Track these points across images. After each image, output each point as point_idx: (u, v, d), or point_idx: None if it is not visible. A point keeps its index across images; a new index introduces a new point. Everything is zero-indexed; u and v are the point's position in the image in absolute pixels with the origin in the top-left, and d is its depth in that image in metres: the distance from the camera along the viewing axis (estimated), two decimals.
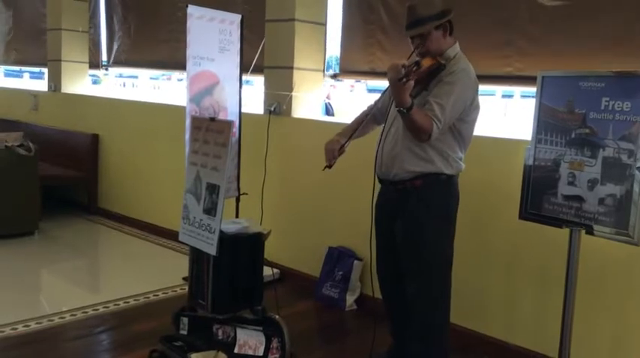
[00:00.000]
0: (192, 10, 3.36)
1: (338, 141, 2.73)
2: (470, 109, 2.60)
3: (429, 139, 2.47)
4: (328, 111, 8.39)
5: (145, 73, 7.70)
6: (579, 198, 2.54)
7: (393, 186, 2.66)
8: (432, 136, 2.45)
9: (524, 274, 3.21)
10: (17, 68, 8.75)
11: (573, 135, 2.56)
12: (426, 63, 2.49)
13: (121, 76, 7.69)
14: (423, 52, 2.56)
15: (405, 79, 2.28)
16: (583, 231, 2.56)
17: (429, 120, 2.42)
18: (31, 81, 9.48)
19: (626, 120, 2.40)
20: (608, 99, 2.46)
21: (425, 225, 2.62)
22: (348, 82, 5.72)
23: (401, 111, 2.37)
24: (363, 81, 5.04)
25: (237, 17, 3.59)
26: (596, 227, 2.50)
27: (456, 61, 2.58)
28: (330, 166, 2.70)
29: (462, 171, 2.71)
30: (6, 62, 8.26)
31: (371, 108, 2.86)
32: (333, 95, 8.89)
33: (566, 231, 2.61)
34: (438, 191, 2.63)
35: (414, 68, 2.35)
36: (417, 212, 2.62)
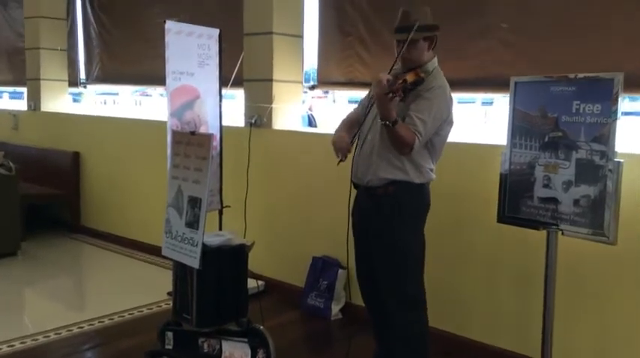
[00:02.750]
0: (170, 25, 3.39)
1: (345, 136, 2.75)
2: (444, 124, 2.68)
3: (410, 152, 2.56)
4: (311, 122, 8.44)
5: (124, 90, 7.70)
6: (555, 200, 2.60)
7: (367, 191, 2.74)
8: (413, 149, 2.54)
9: (505, 277, 3.25)
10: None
11: (547, 139, 2.62)
12: (410, 78, 2.54)
13: (96, 93, 7.66)
14: (406, 57, 2.63)
15: (391, 95, 2.37)
16: (560, 233, 2.61)
17: (411, 134, 2.51)
18: (11, 101, 9.43)
19: (597, 122, 2.46)
20: (579, 102, 2.53)
21: (396, 228, 2.69)
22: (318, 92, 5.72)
23: (386, 125, 2.45)
24: (330, 91, 5.05)
25: (216, 32, 3.63)
26: (571, 228, 2.55)
27: (434, 77, 2.66)
28: (344, 160, 2.72)
29: (432, 181, 2.76)
30: None
31: (356, 113, 2.93)
32: (316, 107, 8.93)
33: (544, 232, 2.66)
34: (409, 196, 2.70)
35: (401, 84, 2.41)
36: (389, 215, 2.69)
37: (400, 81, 2.44)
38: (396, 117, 2.44)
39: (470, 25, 3.62)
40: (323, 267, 3.97)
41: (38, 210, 6.03)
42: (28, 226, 5.49)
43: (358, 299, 2.88)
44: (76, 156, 6.06)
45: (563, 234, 2.60)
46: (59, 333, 3.56)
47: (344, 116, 2.98)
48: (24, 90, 7.03)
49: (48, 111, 6.55)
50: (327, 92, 4.81)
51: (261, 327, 3.01)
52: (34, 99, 6.61)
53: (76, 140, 6.10)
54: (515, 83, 2.74)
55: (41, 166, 6.16)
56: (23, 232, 5.31)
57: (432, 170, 2.73)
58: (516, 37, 3.44)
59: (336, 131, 2.86)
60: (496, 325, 3.29)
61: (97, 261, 5.37)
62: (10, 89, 8.64)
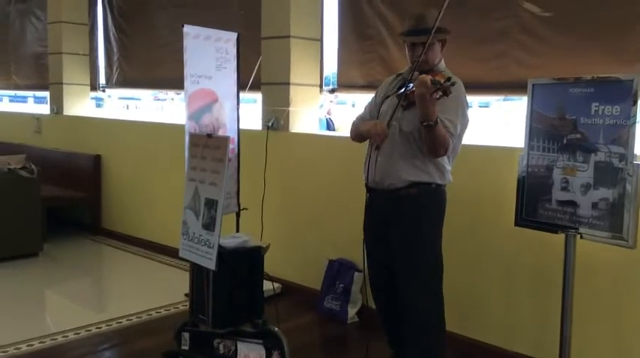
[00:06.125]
0: (188, 29, 3.42)
1: (380, 122, 2.65)
2: (465, 123, 2.69)
3: (446, 154, 2.57)
4: (329, 126, 8.45)
5: (145, 94, 7.78)
6: (573, 203, 2.57)
7: (387, 194, 2.71)
8: (447, 151, 2.55)
9: (522, 280, 3.21)
10: (22, 93, 8.84)
11: (565, 141, 2.59)
12: (441, 78, 2.47)
13: (118, 97, 7.75)
14: (423, 60, 2.62)
15: (438, 95, 2.32)
16: (578, 236, 2.58)
17: (448, 136, 2.51)
18: (35, 105, 9.59)
19: (616, 124, 2.43)
20: (597, 104, 2.50)
21: (421, 229, 2.70)
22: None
23: (428, 126, 2.42)
24: (340, 95, 4.97)
25: (233, 35, 3.65)
26: (590, 231, 2.52)
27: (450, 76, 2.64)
28: (381, 145, 2.64)
29: (450, 183, 2.76)
30: (6, 87, 8.37)
31: (363, 120, 2.91)
32: (334, 111, 8.95)
33: (562, 235, 2.63)
34: (431, 198, 2.71)
35: (448, 84, 2.35)
36: (413, 217, 2.69)
37: (443, 80, 2.36)
38: (437, 118, 2.42)
39: (487, 27, 3.60)
40: (339, 270, 3.96)
41: (60, 212, 6.12)
42: (49, 228, 5.56)
43: (371, 302, 2.87)
44: (98, 159, 6.13)
45: (581, 237, 2.57)
46: (78, 333, 3.60)
47: (352, 123, 2.95)
48: (46, 94, 7.15)
49: (70, 115, 6.65)
50: (336, 96, 4.76)
51: (276, 329, 3.01)
52: (57, 103, 6.72)
53: (97, 143, 6.18)
54: (533, 85, 2.72)
55: (63, 169, 6.25)
56: (45, 234, 5.39)
57: (449, 171, 2.73)
58: (534, 39, 3.41)
59: (359, 125, 2.80)
60: (514, 329, 3.25)
61: (116, 263, 5.43)
62: (37, 94, 8.79)
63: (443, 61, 2.77)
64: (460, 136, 2.70)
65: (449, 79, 2.38)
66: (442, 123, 2.49)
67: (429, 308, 2.73)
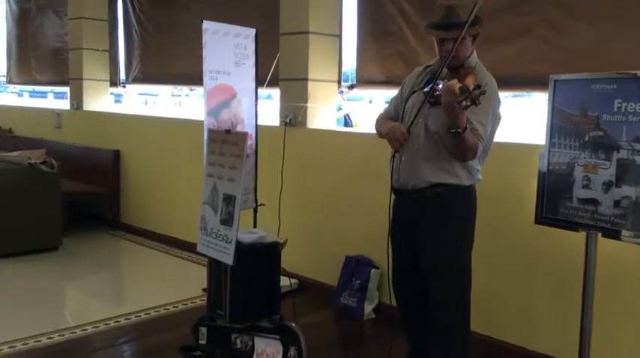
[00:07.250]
0: (207, 25, 3.43)
1: (399, 125, 2.57)
2: (496, 122, 2.62)
3: (474, 158, 2.50)
4: (347, 123, 8.45)
5: (164, 90, 7.83)
6: (594, 201, 2.53)
7: (411, 195, 2.63)
8: (476, 155, 2.48)
9: (542, 279, 3.19)
10: (42, 89, 8.95)
11: (587, 138, 2.55)
12: (471, 81, 2.36)
13: (137, 93, 7.81)
14: (453, 56, 2.48)
15: (466, 103, 2.23)
16: (599, 235, 2.54)
17: (476, 140, 2.43)
18: (55, 100, 9.70)
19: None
20: (620, 101, 2.45)
21: (447, 231, 2.61)
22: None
23: (456, 133, 2.34)
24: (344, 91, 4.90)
25: (252, 31, 3.65)
26: (612, 230, 2.48)
27: (481, 73, 2.55)
28: (400, 150, 2.56)
29: (480, 181, 2.70)
30: (27, 82, 8.46)
31: (388, 114, 2.84)
32: (352, 107, 8.94)
33: (582, 234, 2.60)
34: (457, 198, 2.62)
35: (478, 93, 2.25)
36: (438, 218, 2.60)
37: (472, 87, 2.26)
38: (466, 125, 2.34)
39: (508, 22, 3.56)
40: (356, 267, 3.95)
41: (79, 206, 6.18)
42: (69, 222, 5.63)
43: (391, 300, 2.85)
44: (117, 154, 6.18)
45: (603, 236, 2.53)
46: (97, 327, 3.64)
47: (377, 117, 2.88)
48: (65, 89, 7.22)
49: (90, 111, 6.71)
50: (341, 92, 4.74)
51: (293, 324, 3.01)
52: (77, 99, 6.78)
53: (116, 138, 6.23)
54: (555, 81, 2.68)
55: (82, 164, 6.31)
56: (64, 228, 5.45)
57: (479, 171, 2.65)
58: (556, 34, 3.37)
59: (381, 124, 2.70)
60: (533, 329, 3.23)
61: (135, 257, 5.48)
62: (51, 89, 8.90)
63: (475, 53, 2.61)
64: (491, 136, 2.61)
65: (478, 86, 2.27)
66: (471, 125, 2.40)
67: (456, 311, 2.66)
